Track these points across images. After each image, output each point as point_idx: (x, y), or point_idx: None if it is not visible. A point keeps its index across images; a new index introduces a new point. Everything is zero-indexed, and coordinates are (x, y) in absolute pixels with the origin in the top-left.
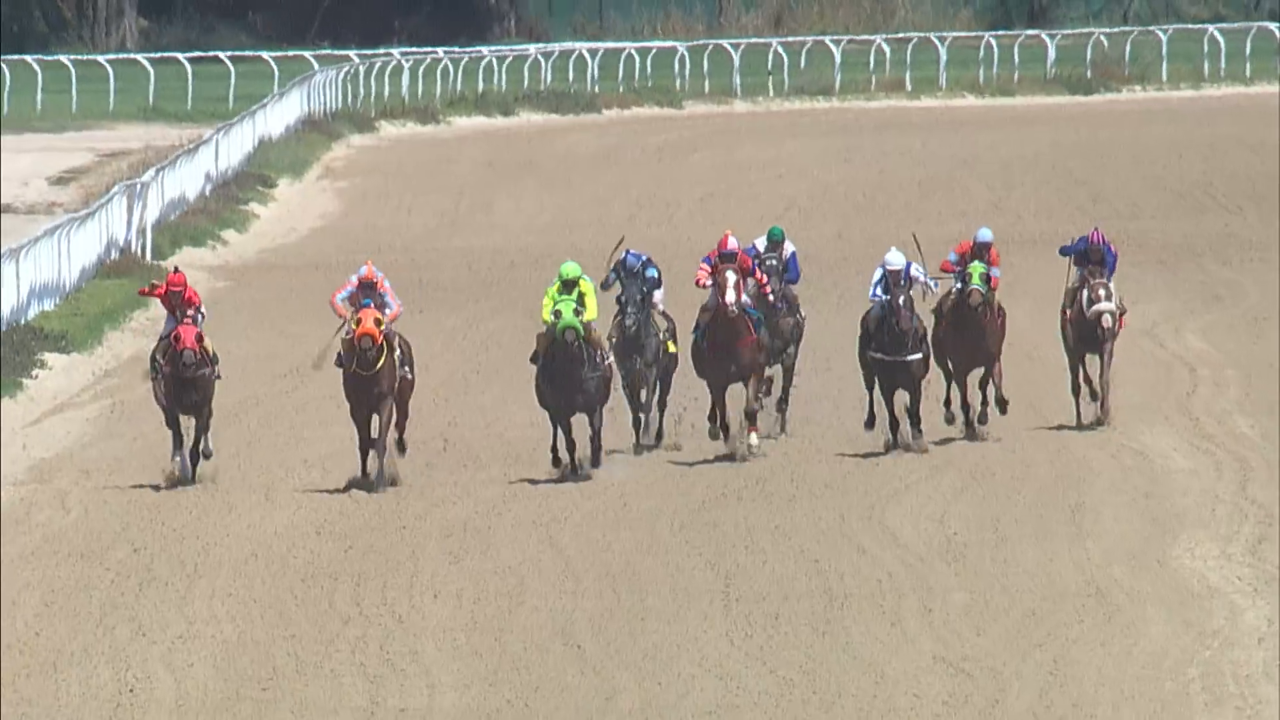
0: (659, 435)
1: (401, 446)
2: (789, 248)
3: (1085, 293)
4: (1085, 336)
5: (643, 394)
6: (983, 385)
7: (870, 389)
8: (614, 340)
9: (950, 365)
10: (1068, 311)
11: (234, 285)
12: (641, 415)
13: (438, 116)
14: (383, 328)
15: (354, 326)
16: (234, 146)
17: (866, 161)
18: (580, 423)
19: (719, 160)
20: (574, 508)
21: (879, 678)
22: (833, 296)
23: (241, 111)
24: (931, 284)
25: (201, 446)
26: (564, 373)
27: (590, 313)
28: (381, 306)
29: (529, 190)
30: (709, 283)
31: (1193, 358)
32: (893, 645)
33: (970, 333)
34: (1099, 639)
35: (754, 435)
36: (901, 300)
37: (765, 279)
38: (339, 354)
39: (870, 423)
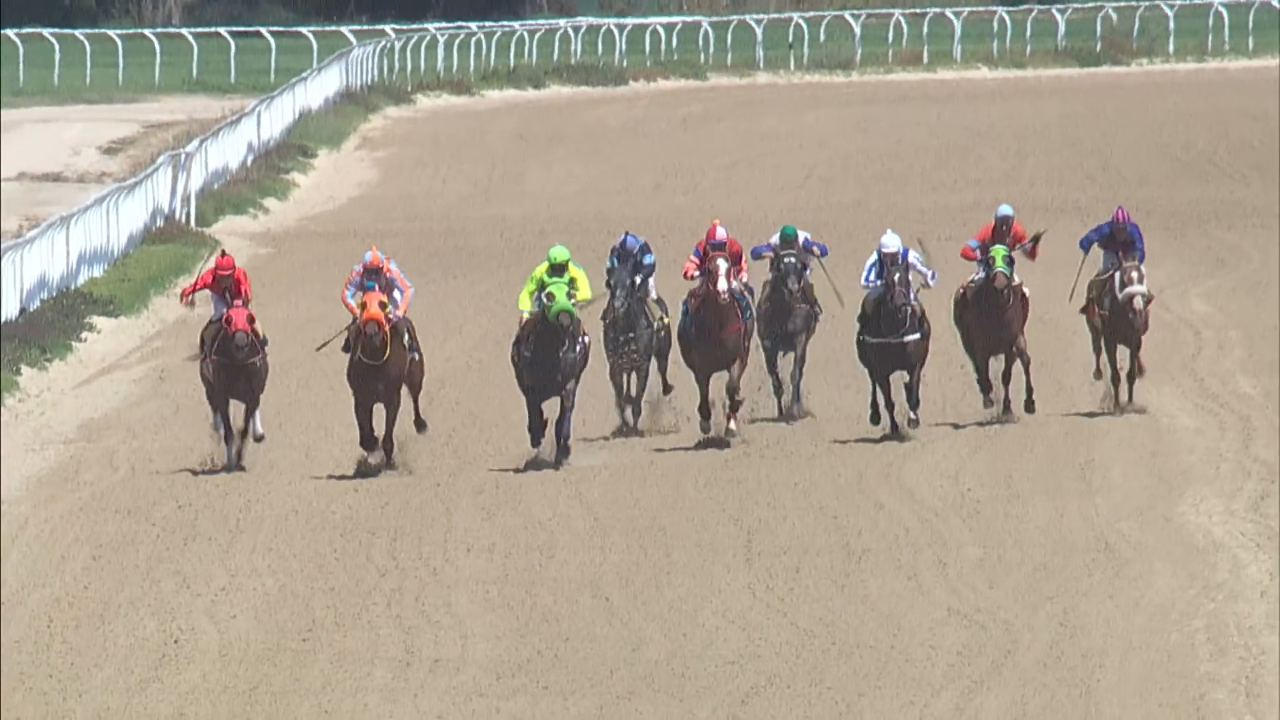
0: (638, 409)
1: (420, 425)
2: (802, 237)
3: (1118, 275)
4: (1117, 325)
5: (631, 382)
6: (1005, 379)
7: (874, 390)
8: (605, 324)
9: (975, 351)
10: (1095, 305)
11: (275, 252)
12: (629, 404)
13: (471, 89)
14: (388, 311)
15: (359, 311)
16: (275, 118)
17: (884, 132)
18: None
19: (742, 131)
20: (602, 465)
21: (896, 629)
22: (851, 264)
23: (282, 84)
24: (929, 275)
25: (250, 429)
26: (543, 354)
27: (583, 293)
28: (389, 290)
29: (559, 160)
30: (697, 274)
31: (1198, 320)
32: (909, 598)
33: (992, 318)
34: (1107, 592)
35: (733, 421)
36: (898, 277)
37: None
38: (346, 339)
39: (875, 417)
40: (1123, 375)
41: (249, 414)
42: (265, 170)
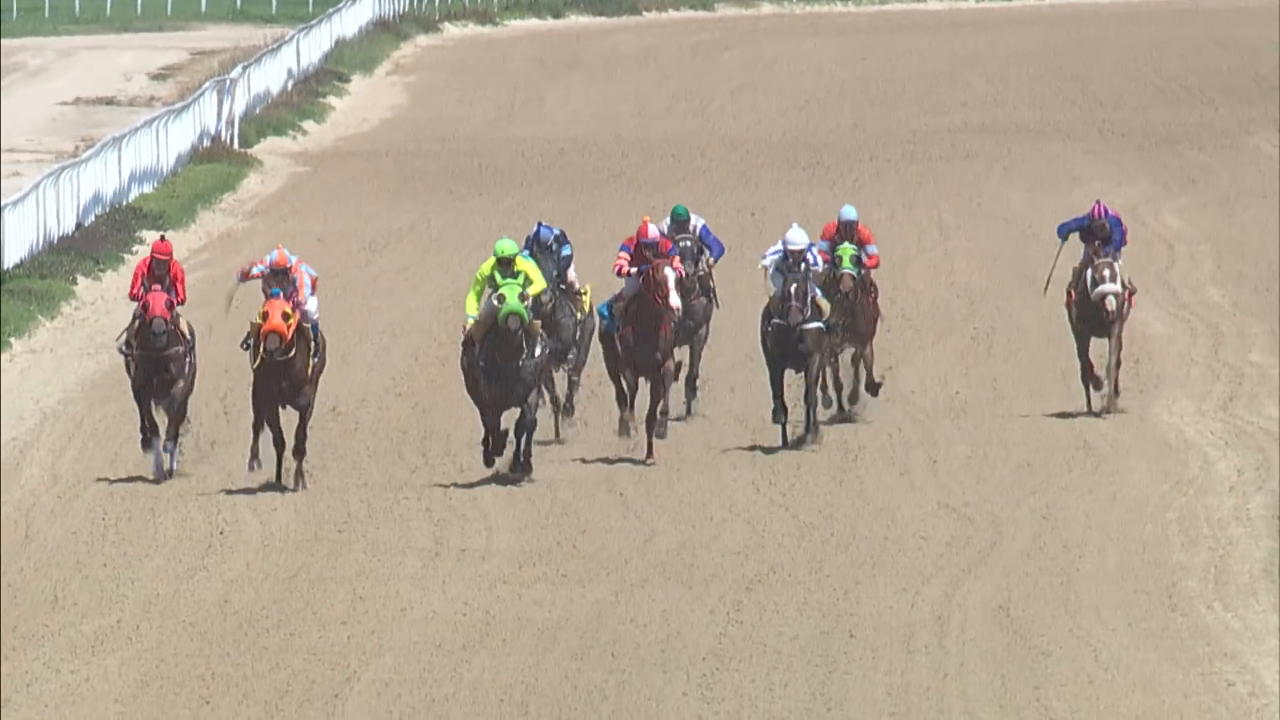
0: (569, 408)
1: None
2: (696, 223)
3: (1089, 273)
4: (1089, 318)
5: (560, 380)
6: (854, 363)
7: (774, 381)
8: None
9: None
10: (1072, 292)
11: (313, 170)
12: (560, 400)
13: (495, 19)
14: (291, 321)
15: (260, 320)
16: (313, 46)
17: (879, 59)
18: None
19: (747, 58)
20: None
21: (890, 521)
22: (848, 181)
23: (320, 14)
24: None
25: (168, 448)
26: (503, 363)
27: (537, 284)
28: (291, 295)
29: (577, 85)
30: (632, 271)
31: (1170, 235)
32: (902, 493)
33: (841, 315)
34: (1086, 487)
35: (653, 450)
36: (794, 289)
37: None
38: (246, 336)
39: (778, 414)
40: (1101, 374)
41: (173, 419)
42: (304, 94)
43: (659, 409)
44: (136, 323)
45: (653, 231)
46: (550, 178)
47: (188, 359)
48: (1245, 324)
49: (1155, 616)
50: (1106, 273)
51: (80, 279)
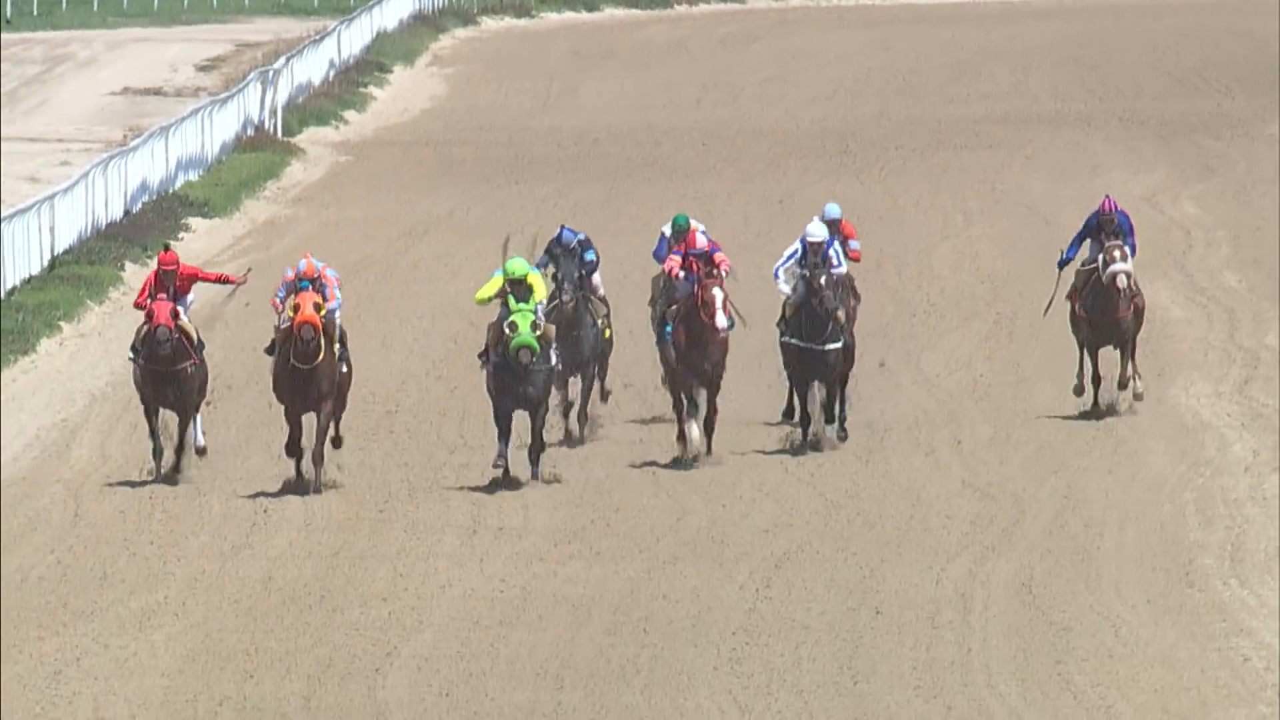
0: (584, 418)
1: (337, 441)
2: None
3: (1101, 256)
4: (1101, 325)
5: (574, 386)
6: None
7: (791, 380)
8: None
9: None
10: (1076, 302)
11: (354, 159)
12: (573, 404)
13: (531, 11)
14: (323, 313)
15: (291, 314)
16: (354, 37)
17: (904, 50)
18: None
19: (776, 49)
20: (651, 352)
21: (915, 501)
22: (875, 169)
23: (360, 6)
24: (838, 261)
25: (189, 439)
26: (512, 370)
27: (539, 293)
28: (321, 292)
29: (611, 76)
30: (681, 274)
31: (1188, 221)
32: (927, 472)
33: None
34: (1106, 467)
35: (712, 441)
36: (824, 280)
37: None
38: (272, 342)
39: (790, 412)
40: (1110, 380)
41: (182, 427)
42: (345, 85)
43: (711, 417)
44: (143, 331)
45: (700, 240)
46: (585, 166)
47: (196, 372)
48: (1261, 308)
49: (1173, 593)
50: (1117, 253)
51: (128, 265)
